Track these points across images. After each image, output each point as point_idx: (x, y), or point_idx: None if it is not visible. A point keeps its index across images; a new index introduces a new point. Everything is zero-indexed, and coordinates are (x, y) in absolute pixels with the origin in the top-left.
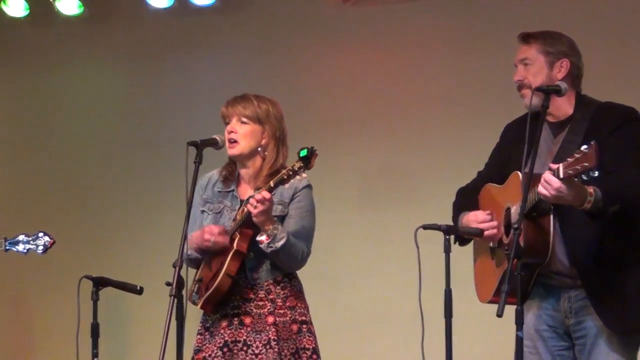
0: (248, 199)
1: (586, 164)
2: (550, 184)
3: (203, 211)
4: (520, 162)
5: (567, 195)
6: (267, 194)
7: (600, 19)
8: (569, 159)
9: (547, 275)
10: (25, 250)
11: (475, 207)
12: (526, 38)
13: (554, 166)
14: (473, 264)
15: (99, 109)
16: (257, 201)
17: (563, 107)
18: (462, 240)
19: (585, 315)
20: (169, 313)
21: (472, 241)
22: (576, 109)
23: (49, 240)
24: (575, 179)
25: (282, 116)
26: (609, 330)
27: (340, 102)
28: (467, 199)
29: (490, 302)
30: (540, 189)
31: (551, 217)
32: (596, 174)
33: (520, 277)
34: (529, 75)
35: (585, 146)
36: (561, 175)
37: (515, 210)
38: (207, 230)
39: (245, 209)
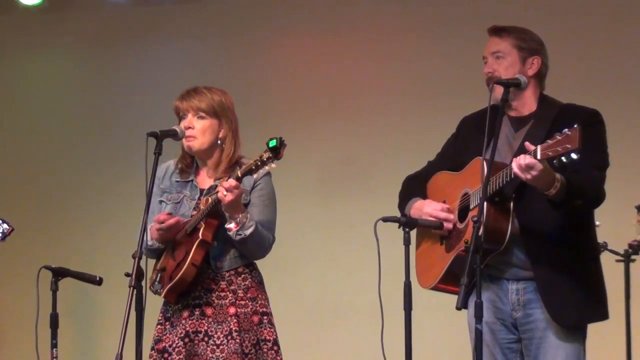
0: (210, 189)
1: (568, 146)
2: (529, 162)
3: (161, 201)
4: (479, 152)
5: (540, 175)
6: (235, 182)
7: (561, 17)
8: (549, 141)
9: (496, 267)
10: None
11: (422, 194)
12: (499, 31)
13: (531, 147)
14: (416, 246)
15: (57, 97)
16: (227, 189)
17: (528, 103)
18: (410, 226)
19: (534, 308)
20: (129, 303)
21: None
22: (540, 107)
23: (8, 227)
24: (552, 162)
25: (233, 105)
26: (556, 323)
27: (299, 91)
28: (415, 186)
29: (433, 288)
30: (516, 167)
31: (511, 204)
32: (577, 156)
33: (470, 267)
34: (500, 68)
35: (566, 129)
36: (539, 157)
37: (474, 194)
38: (155, 220)
39: (210, 199)
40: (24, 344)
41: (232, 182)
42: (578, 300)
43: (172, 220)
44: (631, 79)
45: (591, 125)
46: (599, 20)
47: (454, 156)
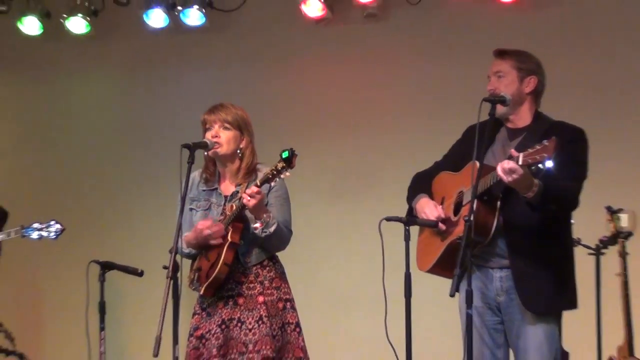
0: (232, 195)
1: (544, 155)
2: (511, 167)
3: (191, 209)
4: (479, 157)
5: (520, 179)
6: (256, 189)
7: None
8: (529, 150)
9: (482, 257)
10: (38, 237)
11: (428, 190)
12: (502, 54)
13: (515, 154)
14: (418, 236)
15: (103, 113)
16: (250, 196)
17: (524, 117)
18: (410, 224)
19: (515, 295)
20: (166, 292)
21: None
22: (534, 121)
23: (60, 227)
24: (530, 168)
25: (251, 123)
26: (533, 309)
27: (313, 108)
28: (421, 182)
29: (429, 271)
30: (500, 171)
31: (498, 203)
32: (550, 163)
33: (463, 258)
34: (501, 85)
35: (545, 140)
36: (520, 162)
37: (467, 192)
38: (201, 225)
39: (235, 206)
40: (76, 328)
41: (254, 189)
42: (549, 289)
43: (215, 228)
44: (603, 99)
45: (575, 142)
46: (585, 52)
47: (456, 158)
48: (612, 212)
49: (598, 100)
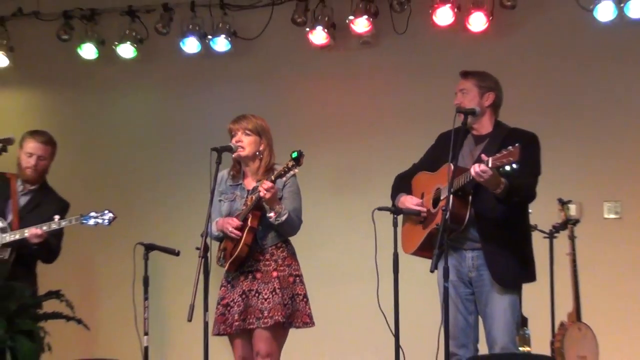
0: (254, 189)
1: (511, 159)
2: (483, 169)
3: (220, 200)
4: (448, 160)
5: (490, 178)
6: (271, 184)
7: (500, 63)
8: (498, 155)
9: (458, 239)
10: (94, 224)
11: (408, 189)
12: (465, 74)
13: (485, 158)
14: (402, 225)
15: (147, 123)
16: (266, 189)
17: (485, 125)
18: (398, 213)
19: (483, 270)
20: (198, 269)
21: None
22: (494, 129)
23: (112, 216)
24: (499, 170)
25: (269, 129)
26: (499, 282)
27: (318, 118)
28: (403, 182)
29: (414, 254)
30: (473, 172)
31: (470, 197)
32: (516, 166)
33: (441, 241)
34: (465, 100)
35: (510, 147)
36: (490, 165)
37: (444, 189)
38: (229, 222)
39: (254, 197)
40: (125, 299)
41: (268, 184)
42: (514, 266)
43: (235, 224)
44: (555, 109)
45: (530, 145)
46: (538, 71)
47: (431, 161)
48: (563, 203)
49: (550, 110)
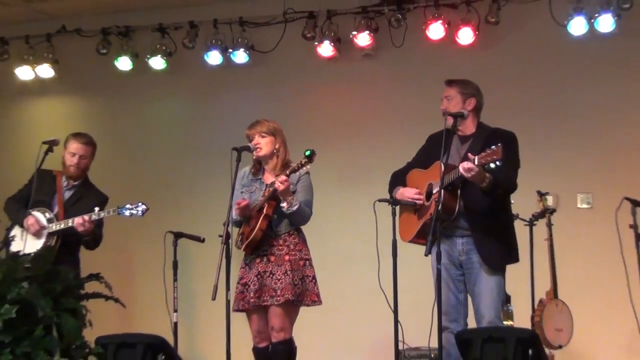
0: (272, 183)
1: (494, 157)
2: (470, 166)
3: (242, 192)
4: (438, 158)
5: (476, 174)
6: (285, 178)
7: (486, 71)
8: (482, 153)
9: (449, 228)
10: (130, 215)
11: (404, 184)
12: (450, 82)
13: (472, 157)
14: (399, 216)
15: (175, 126)
16: (280, 182)
17: (469, 127)
18: (396, 204)
19: (472, 254)
20: (221, 253)
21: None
22: (477, 130)
23: (145, 207)
24: (484, 167)
25: (282, 129)
26: (486, 264)
27: (326, 121)
28: (398, 178)
29: (411, 242)
30: (461, 170)
31: (459, 191)
32: (500, 163)
33: (434, 229)
34: (450, 105)
35: (493, 146)
36: (476, 163)
37: (435, 184)
38: (235, 203)
39: (271, 189)
40: (156, 280)
41: (283, 177)
42: (499, 250)
43: (244, 202)
44: (534, 111)
45: (510, 143)
46: (518, 79)
47: (423, 159)
48: (541, 195)
49: (529, 112)
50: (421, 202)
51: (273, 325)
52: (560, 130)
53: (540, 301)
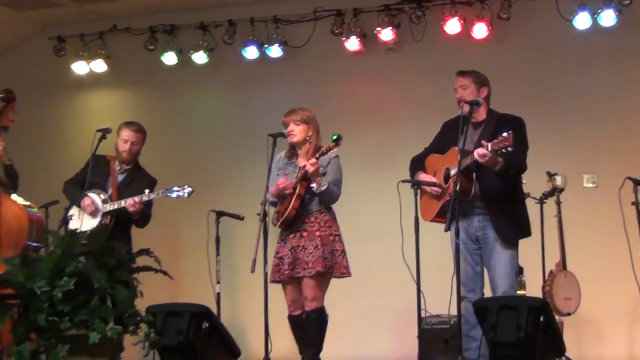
0: (304, 166)
1: (506, 143)
2: (484, 152)
3: (278, 174)
4: (454, 143)
5: (490, 159)
6: (315, 160)
7: (491, 65)
8: (495, 140)
9: (466, 207)
10: (177, 196)
11: (423, 168)
12: (462, 73)
13: (485, 143)
14: (420, 198)
15: (216, 116)
16: (311, 165)
17: (481, 113)
18: (417, 187)
19: (488, 230)
20: (259, 231)
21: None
22: (487, 116)
23: (191, 189)
24: (496, 152)
25: (315, 117)
26: (500, 240)
27: (353, 110)
28: (418, 163)
29: (432, 221)
30: (476, 155)
31: (474, 174)
32: (511, 149)
33: (453, 207)
34: (465, 94)
35: (505, 133)
36: (489, 149)
37: (452, 167)
38: (279, 182)
39: (303, 171)
40: (201, 255)
41: (313, 160)
42: (513, 226)
43: (286, 182)
44: (542, 98)
45: (518, 127)
46: (527, 69)
47: (439, 145)
48: (551, 175)
49: (538, 100)
50: (438, 189)
51: (306, 295)
52: (567, 116)
53: (551, 272)
